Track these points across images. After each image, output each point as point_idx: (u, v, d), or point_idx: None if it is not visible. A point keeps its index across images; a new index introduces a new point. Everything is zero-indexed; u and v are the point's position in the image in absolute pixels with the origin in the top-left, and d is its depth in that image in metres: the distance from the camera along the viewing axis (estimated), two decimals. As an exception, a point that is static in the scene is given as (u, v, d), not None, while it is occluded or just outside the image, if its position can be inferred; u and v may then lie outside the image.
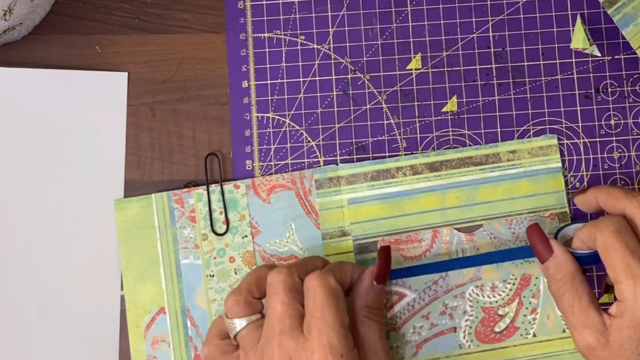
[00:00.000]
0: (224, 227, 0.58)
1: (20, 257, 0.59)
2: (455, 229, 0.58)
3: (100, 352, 0.58)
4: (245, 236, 0.58)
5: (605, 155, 0.59)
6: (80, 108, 0.60)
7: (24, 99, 0.60)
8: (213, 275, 0.58)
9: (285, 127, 0.60)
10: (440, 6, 0.60)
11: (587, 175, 0.59)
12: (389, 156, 0.59)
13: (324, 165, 0.60)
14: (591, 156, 0.59)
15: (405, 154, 0.59)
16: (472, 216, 0.58)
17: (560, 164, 0.59)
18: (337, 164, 0.59)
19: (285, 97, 0.60)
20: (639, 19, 0.57)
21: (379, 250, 0.56)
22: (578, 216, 0.58)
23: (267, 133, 0.60)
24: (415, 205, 0.58)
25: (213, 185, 0.59)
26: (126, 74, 0.60)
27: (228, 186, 0.59)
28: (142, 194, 0.60)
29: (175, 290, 0.58)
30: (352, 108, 0.60)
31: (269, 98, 0.60)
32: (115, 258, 0.59)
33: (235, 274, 0.58)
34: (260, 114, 0.60)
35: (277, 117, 0.60)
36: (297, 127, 0.60)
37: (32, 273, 0.59)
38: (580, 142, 0.59)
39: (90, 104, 0.60)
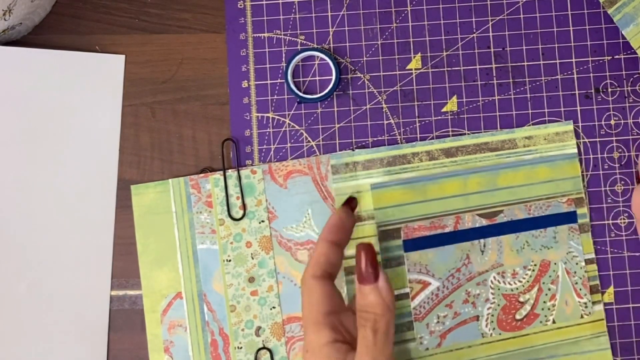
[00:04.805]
0: (241, 212, 0.59)
1: (12, 241, 0.59)
2: (477, 214, 0.58)
3: (89, 333, 0.58)
4: (262, 221, 0.59)
5: (605, 155, 0.59)
6: (77, 89, 0.60)
7: (18, 80, 0.59)
8: (230, 260, 0.58)
9: (285, 127, 0.60)
10: (440, 6, 0.60)
11: (587, 175, 0.59)
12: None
13: (324, 165, 0.60)
14: (591, 156, 0.59)
15: (421, 140, 0.59)
16: (493, 202, 0.58)
17: (576, 150, 0.59)
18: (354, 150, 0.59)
19: (285, 97, 0.60)
20: (639, 19, 0.57)
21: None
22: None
23: (267, 133, 0.60)
24: (439, 190, 0.58)
25: (230, 170, 0.59)
26: (123, 56, 0.60)
27: (245, 171, 0.59)
28: (142, 194, 0.60)
29: (192, 275, 0.58)
30: (352, 108, 0.60)
31: (269, 98, 0.60)
32: (108, 246, 0.59)
33: (252, 258, 0.58)
34: (260, 114, 0.60)
35: (277, 117, 0.60)
36: (297, 127, 0.60)
37: (23, 258, 0.59)
38: (580, 142, 0.59)
39: (87, 86, 0.60)
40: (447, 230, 0.57)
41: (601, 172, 0.59)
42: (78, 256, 0.59)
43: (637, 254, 0.59)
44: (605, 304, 0.58)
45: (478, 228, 0.57)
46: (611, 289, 0.58)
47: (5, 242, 0.59)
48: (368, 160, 0.59)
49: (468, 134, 0.59)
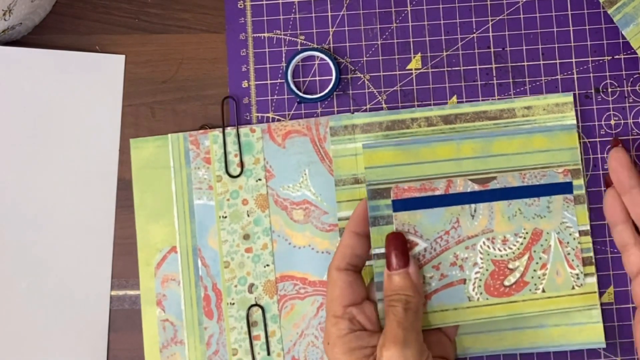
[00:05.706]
0: (239, 169, 0.59)
1: (13, 241, 0.59)
2: (470, 179, 0.57)
3: (89, 333, 0.58)
4: (259, 179, 0.59)
5: (605, 155, 0.59)
6: (77, 89, 0.60)
7: (18, 80, 0.60)
8: (226, 217, 0.59)
9: (285, 127, 0.60)
10: (440, 6, 0.60)
11: (587, 175, 0.59)
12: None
13: (324, 165, 0.60)
14: (591, 156, 0.59)
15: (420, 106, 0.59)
16: (486, 168, 0.57)
17: (575, 122, 0.58)
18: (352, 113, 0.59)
19: (285, 97, 0.60)
20: (639, 19, 0.57)
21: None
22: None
23: (267, 133, 0.60)
24: (431, 153, 0.57)
25: (229, 127, 0.59)
26: (123, 56, 0.60)
27: (244, 129, 0.59)
28: (142, 194, 0.60)
29: (188, 230, 0.59)
30: (352, 108, 0.60)
31: (269, 98, 0.60)
32: (108, 246, 0.59)
33: (248, 216, 0.59)
34: (260, 114, 0.60)
35: (277, 117, 0.60)
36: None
37: (23, 257, 0.59)
38: (580, 142, 0.59)
39: (87, 86, 0.60)
40: (437, 193, 0.57)
41: (601, 172, 0.59)
42: (78, 256, 0.59)
43: (637, 254, 0.59)
44: (605, 304, 0.58)
45: (470, 193, 0.57)
46: (611, 289, 0.58)
47: (6, 242, 0.59)
48: (367, 123, 0.59)
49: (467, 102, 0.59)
